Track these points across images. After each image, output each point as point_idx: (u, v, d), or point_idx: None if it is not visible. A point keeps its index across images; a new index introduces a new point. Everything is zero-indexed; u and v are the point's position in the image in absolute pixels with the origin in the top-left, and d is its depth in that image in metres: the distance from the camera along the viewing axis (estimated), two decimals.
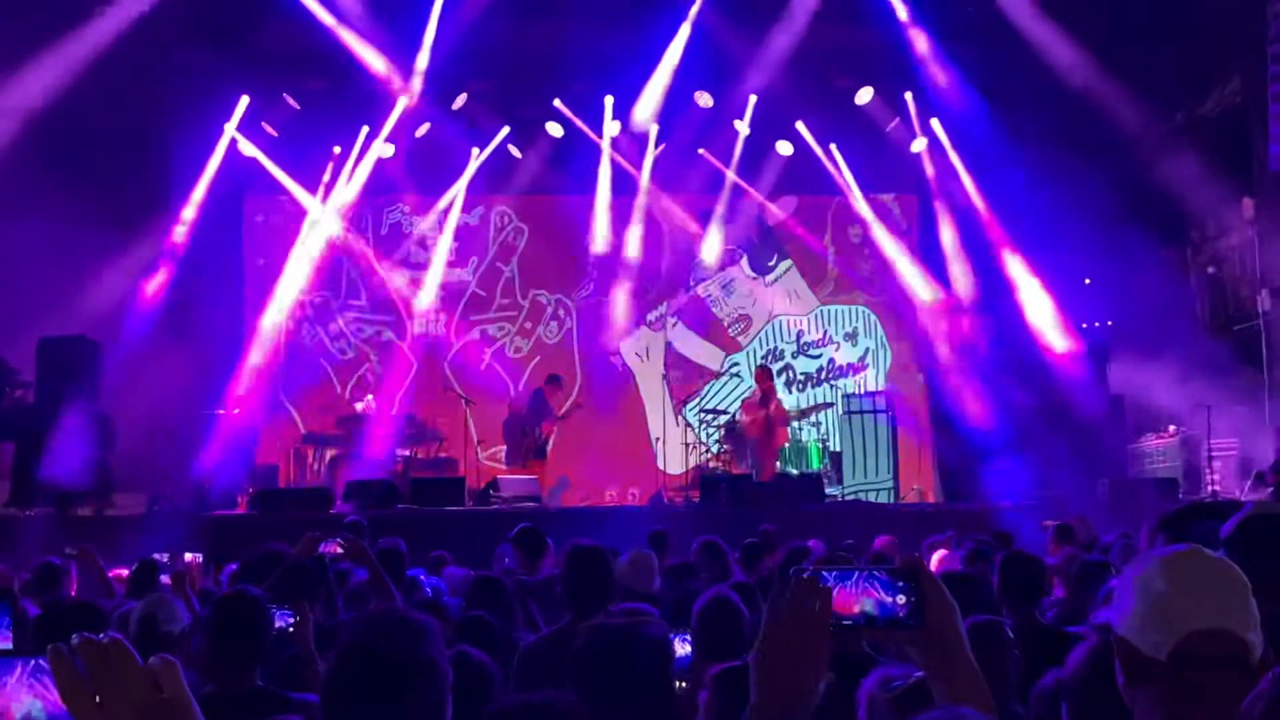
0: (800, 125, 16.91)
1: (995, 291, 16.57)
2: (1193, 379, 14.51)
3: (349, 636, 2.27)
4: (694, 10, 15.51)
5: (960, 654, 1.87)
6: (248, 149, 16.42)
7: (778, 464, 14.64)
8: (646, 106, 16.58)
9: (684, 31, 15.63)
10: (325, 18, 14.98)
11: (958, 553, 7.10)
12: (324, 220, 17.19)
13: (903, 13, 15.40)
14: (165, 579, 6.10)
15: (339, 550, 5.45)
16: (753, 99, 16.57)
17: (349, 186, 17.16)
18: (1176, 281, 15.63)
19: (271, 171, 16.72)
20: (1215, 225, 15.21)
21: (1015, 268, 16.51)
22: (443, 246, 17.71)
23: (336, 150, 16.88)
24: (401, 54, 15.61)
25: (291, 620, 4.05)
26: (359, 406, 15.41)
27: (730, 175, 17.41)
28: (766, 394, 14.67)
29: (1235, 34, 13.94)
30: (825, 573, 1.89)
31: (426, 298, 17.59)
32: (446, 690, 2.23)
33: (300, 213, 17.45)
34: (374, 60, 15.53)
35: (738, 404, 16.53)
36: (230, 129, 16.08)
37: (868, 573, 1.87)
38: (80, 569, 6.59)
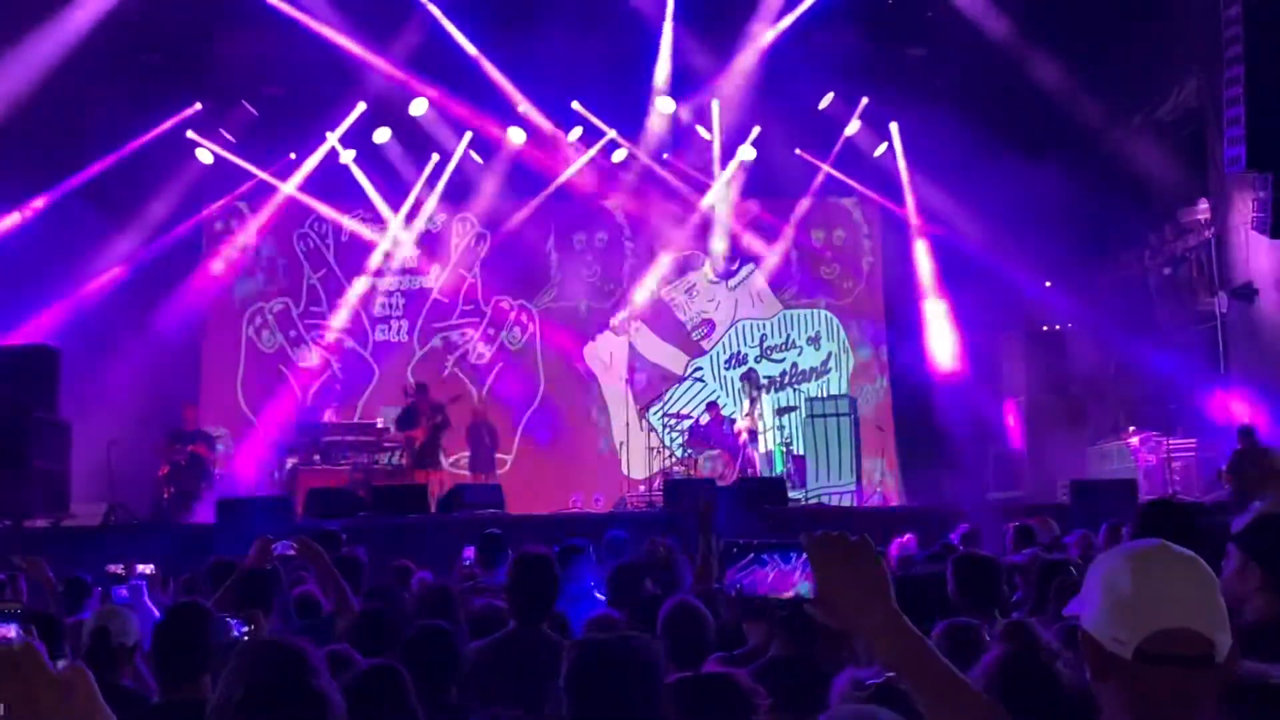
0: (759, 129, 16.98)
1: (954, 288, 16.73)
2: (1152, 380, 14.64)
3: None
4: (669, 16, 15.50)
5: (867, 625, 1.91)
6: (206, 156, 16.34)
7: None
8: (611, 112, 16.65)
9: (648, 38, 15.58)
10: (283, 35, 14.90)
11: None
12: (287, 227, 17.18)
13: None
14: (123, 591, 6.00)
15: (293, 552, 5.36)
16: (716, 105, 16.61)
17: (311, 194, 17.16)
18: (1134, 283, 15.76)
19: (237, 170, 16.70)
20: (1173, 228, 15.34)
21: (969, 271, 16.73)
22: (404, 253, 17.68)
23: (292, 156, 16.81)
24: (363, 60, 15.50)
25: (245, 630, 4.00)
26: (326, 417, 15.31)
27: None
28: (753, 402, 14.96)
29: (1191, 38, 14.06)
30: (765, 555, 1.97)
31: (386, 303, 17.58)
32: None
33: (263, 220, 17.39)
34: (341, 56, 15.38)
35: (703, 406, 16.59)
36: (156, 122, 15.92)
37: (804, 555, 1.94)
38: (30, 580, 6.50)
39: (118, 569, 5.97)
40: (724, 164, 17.37)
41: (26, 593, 6.51)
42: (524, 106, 16.58)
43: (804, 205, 17.90)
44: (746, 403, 15.53)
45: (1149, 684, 1.79)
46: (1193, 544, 3.36)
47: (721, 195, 17.59)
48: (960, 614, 4.80)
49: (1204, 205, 14.56)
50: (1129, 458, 14.21)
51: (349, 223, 17.58)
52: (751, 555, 1.97)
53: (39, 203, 14.95)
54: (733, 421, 15.51)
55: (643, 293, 17.84)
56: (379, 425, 15.33)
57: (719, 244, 17.88)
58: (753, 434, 15.01)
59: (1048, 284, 16.38)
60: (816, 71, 16.00)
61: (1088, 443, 15.14)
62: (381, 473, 14.36)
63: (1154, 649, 1.77)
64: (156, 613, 5.26)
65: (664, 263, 17.89)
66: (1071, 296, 16.11)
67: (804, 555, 1.93)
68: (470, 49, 15.42)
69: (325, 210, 17.52)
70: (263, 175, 16.86)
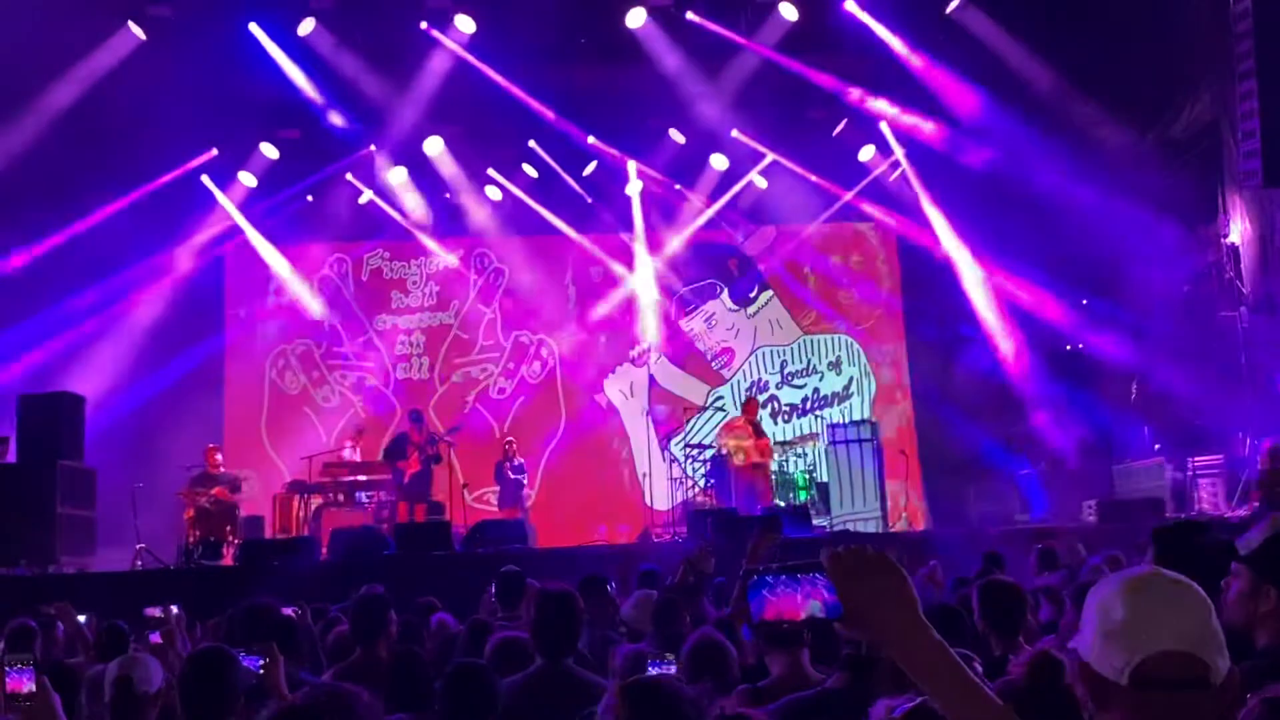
0: (774, 155, 17.01)
1: (973, 310, 16.69)
2: (1174, 397, 14.54)
3: None
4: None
5: (893, 637, 1.90)
6: (225, 201, 16.53)
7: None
8: (625, 145, 16.77)
9: (655, 66, 15.60)
10: (298, 77, 15.11)
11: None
12: (307, 269, 17.40)
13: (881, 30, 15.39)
14: (156, 637, 6.00)
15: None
16: (735, 132, 16.66)
17: (329, 233, 17.34)
18: (1154, 300, 15.68)
19: (257, 213, 16.90)
20: (1191, 243, 15.27)
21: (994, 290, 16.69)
22: (423, 291, 17.80)
23: (310, 199, 16.98)
24: (378, 99, 15.62)
25: (261, 665, 3.98)
26: (345, 454, 15.32)
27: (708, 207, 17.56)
28: (757, 426, 14.72)
29: (1204, 52, 14.06)
30: (769, 577, 1.95)
31: (407, 341, 17.69)
32: None
33: (282, 263, 17.51)
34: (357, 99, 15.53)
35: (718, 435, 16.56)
36: (173, 167, 16.06)
37: (811, 575, 1.93)
38: (65, 627, 6.54)
39: (155, 612, 5.95)
40: (738, 191, 17.46)
41: (62, 640, 6.53)
42: (535, 143, 16.71)
43: (820, 230, 17.93)
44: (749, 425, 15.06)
45: (1147, 709, 1.80)
46: (1211, 562, 3.35)
47: (734, 221, 17.66)
48: (986, 641, 4.81)
49: (1222, 220, 14.51)
50: (1156, 476, 14.10)
51: (372, 261, 17.73)
52: (757, 579, 1.98)
53: (56, 245, 15.12)
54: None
55: (661, 324, 17.87)
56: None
57: (734, 272, 17.94)
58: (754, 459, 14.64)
59: (1084, 302, 16.29)
60: (827, 96, 16.10)
61: (1113, 461, 15.03)
62: (372, 511, 14.19)
63: (1149, 673, 1.79)
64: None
65: (681, 293, 17.94)
66: (1092, 315, 16.04)
67: (811, 576, 1.93)
68: (489, 84, 15.48)
69: (345, 250, 17.71)
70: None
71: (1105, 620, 1.84)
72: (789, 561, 1.98)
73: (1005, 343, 16.56)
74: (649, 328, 17.80)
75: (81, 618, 6.82)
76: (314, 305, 17.51)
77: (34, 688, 2.96)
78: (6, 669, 2.95)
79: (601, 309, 17.82)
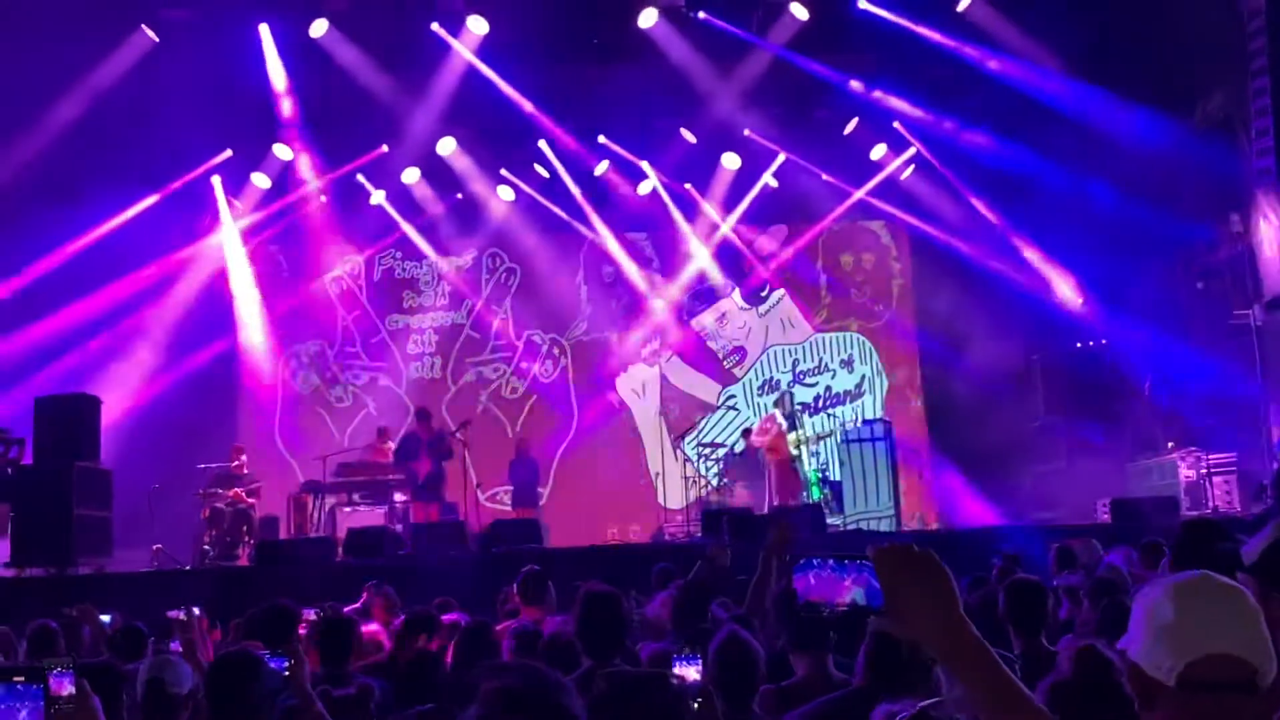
0: (785, 156, 17.01)
1: (985, 309, 16.67)
2: (1188, 395, 14.53)
3: None
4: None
5: (934, 633, 1.90)
6: (224, 211, 16.60)
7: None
8: (637, 145, 16.77)
9: (666, 66, 15.59)
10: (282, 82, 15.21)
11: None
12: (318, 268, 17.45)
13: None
14: (177, 645, 6.02)
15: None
16: (747, 131, 16.66)
17: (342, 234, 17.38)
18: (1167, 297, 15.67)
19: (270, 214, 16.98)
20: (1205, 241, 15.25)
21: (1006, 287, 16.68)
22: (435, 291, 17.84)
23: (323, 199, 17.01)
24: (390, 100, 15.63)
25: (286, 666, 4.00)
26: (364, 455, 15.33)
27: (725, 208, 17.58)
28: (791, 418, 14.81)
29: (1215, 51, 14.04)
30: (816, 561, 2.00)
31: (420, 341, 17.70)
32: None
33: (295, 264, 17.55)
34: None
35: (737, 434, 16.62)
36: (190, 168, 16.14)
37: (858, 563, 1.96)
38: (90, 629, 6.57)
39: (178, 614, 5.98)
40: (748, 190, 17.45)
41: (89, 641, 6.56)
42: (544, 143, 16.72)
43: (831, 229, 17.94)
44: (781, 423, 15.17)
45: (1193, 710, 1.82)
46: (1226, 565, 3.35)
47: (745, 221, 17.71)
48: (1008, 637, 4.84)
49: (1235, 218, 14.47)
50: (1170, 474, 14.07)
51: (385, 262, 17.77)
52: (804, 562, 2.00)
53: (71, 248, 15.18)
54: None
55: (673, 323, 17.90)
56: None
57: (745, 271, 17.96)
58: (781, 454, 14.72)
59: (1080, 300, 16.29)
60: (837, 97, 16.09)
61: (1127, 459, 15.02)
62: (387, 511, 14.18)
63: (1196, 675, 1.81)
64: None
65: (693, 292, 17.96)
66: (1105, 312, 16.03)
67: (858, 564, 1.96)
68: (502, 85, 15.51)
69: (357, 251, 17.75)
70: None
71: (1155, 622, 1.87)
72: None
73: (1017, 339, 16.55)
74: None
75: (105, 618, 6.86)
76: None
77: (74, 690, 2.98)
78: (47, 672, 2.96)
79: (614, 308, 17.82)
